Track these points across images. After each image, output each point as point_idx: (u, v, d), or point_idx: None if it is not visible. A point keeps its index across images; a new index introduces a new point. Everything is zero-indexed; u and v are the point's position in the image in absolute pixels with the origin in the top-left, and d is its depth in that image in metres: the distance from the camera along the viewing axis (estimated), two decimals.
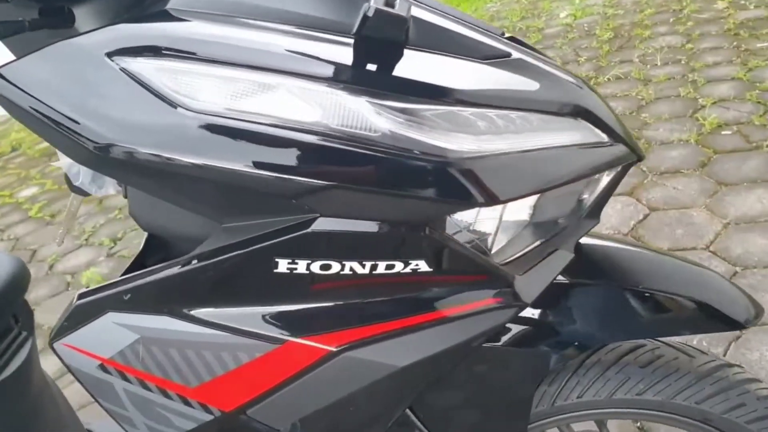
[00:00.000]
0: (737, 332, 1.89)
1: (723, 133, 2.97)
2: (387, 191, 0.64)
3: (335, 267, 0.67)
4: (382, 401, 0.76)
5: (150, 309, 0.72)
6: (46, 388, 1.18)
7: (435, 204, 0.65)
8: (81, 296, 0.73)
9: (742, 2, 4.49)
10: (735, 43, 3.86)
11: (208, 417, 0.75)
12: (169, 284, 0.70)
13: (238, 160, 0.62)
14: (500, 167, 0.67)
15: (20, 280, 1.05)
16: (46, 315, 2.86)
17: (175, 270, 0.69)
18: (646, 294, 0.88)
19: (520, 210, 0.83)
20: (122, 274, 0.78)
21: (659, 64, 3.87)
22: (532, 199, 0.81)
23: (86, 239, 3.56)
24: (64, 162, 0.79)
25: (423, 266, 0.68)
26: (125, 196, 0.79)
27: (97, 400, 0.76)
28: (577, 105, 0.75)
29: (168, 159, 0.61)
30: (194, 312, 0.71)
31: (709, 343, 1.86)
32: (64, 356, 0.74)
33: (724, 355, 1.85)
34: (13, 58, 0.68)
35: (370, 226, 0.66)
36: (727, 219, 2.40)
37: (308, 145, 0.62)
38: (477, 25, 0.78)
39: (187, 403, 0.74)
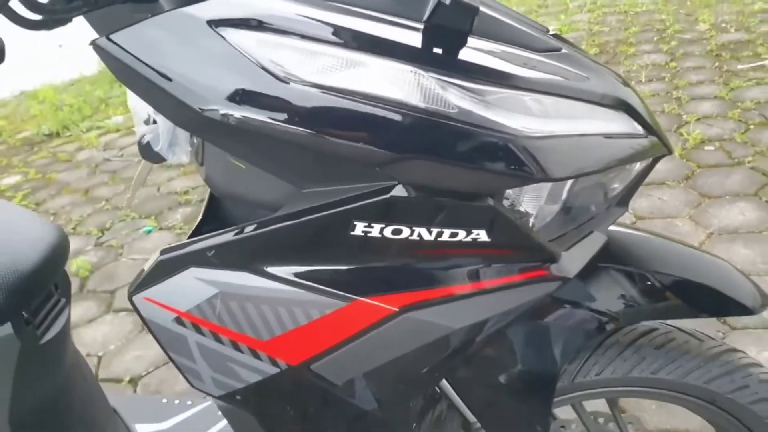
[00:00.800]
0: (721, 333, 1.98)
1: (706, 148, 3.08)
2: (458, 163, 0.69)
3: (405, 232, 0.73)
4: (435, 362, 0.81)
5: (231, 265, 0.76)
6: (76, 360, 1.21)
7: (499, 177, 0.71)
8: (164, 252, 0.77)
9: (723, 25, 4.64)
10: (717, 64, 4.00)
11: (275, 370, 0.79)
12: (252, 243, 0.74)
13: (330, 129, 0.67)
14: (556, 147, 0.73)
15: (62, 248, 1.08)
16: None
17: (259, 229, 0.74)
18: (665, 279, 0.95)
19: (557, 195, 0.89)
20: (191, 234, 0.82)
21: (644, 80, 3.99)
22: (567, 186, 0.88)
23: (74, 228, 3.55)
24: (143, 129, 0.84)
25: (483, 236, 0.74)
26: (201, 164, 0.83)
27: (167, 353, 0.80)
28: (619, 98, 0.82)
29: (263, 123, 0.66)
30: (273, 269, 0.75)
31: None
32: (142, 309, 0.78)
33: None
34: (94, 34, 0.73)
35: (442, 195, 0.72)
36: (711, 229, 2.50)
37: (392, 119, 0.67)
38: (526, 21, 0.85)
39: (256, 355, 0.78)
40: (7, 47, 0.71)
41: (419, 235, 0.73)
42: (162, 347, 0.80)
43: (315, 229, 0.73)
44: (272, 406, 0.84)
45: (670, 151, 0.90)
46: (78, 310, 2.77)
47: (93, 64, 6.36)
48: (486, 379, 0.93)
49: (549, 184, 0.83)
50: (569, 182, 0.86)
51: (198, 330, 0.78)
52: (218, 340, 0.78)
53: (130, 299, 0.78)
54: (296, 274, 0.76)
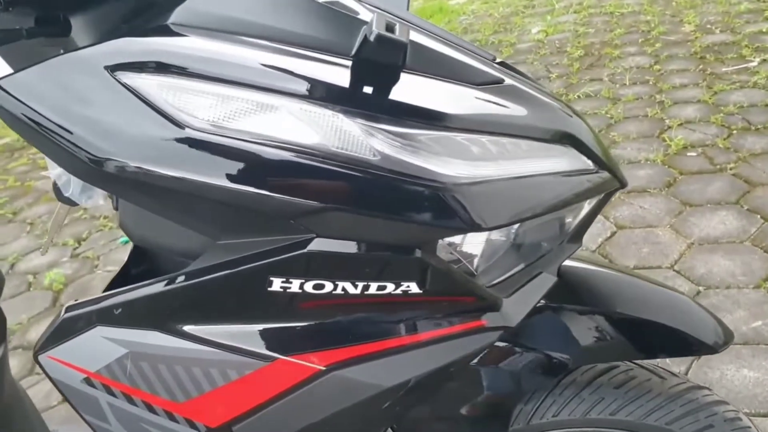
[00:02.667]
0: None
1: (689, 154, 3.04)
2: (382, 214, 0.65)
3: (328, 287, 0.68)
4: (368, 420, 0.77)
5: (140, 324, 0.71)
6: (15, 395, 1.17)
7: (428, 228, 0.66)
8: (69, 309, 0.72)
9: (709, 26, 4.61)
10: (701, 67, 3.96)
11: None
12: (161, 299, 0.70)
13: (237, 180, 0.62)
14: (492, 193, 0.68)
15: None
16: (9, 316, 2.80)
17: (169, 285, 0.69)
18: (622, 318, 0.91)
19: (504, 233, 0.84)
20: (107, 287, 0.77)
21: (628, 83, 3.96)
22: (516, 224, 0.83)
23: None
24: (53, 172, 0.79)
25: (414, 288, 0.69)
26: (116, 208, 0.79)
27: (80, 414, 0.75)
28: (565, 132, 0.77)
29: (166, 176, 0.62)
30: (186, 328, 0.71)
31: (672, 362, 1.90)
32: (49, 369, 0.73)
33: (686, 374, 1.89)
34: (7, 66, 0.68)
35: (364, 248, 0.67)
36: (692, 239, 2.46)
37: (307, 166, 0.63)
38: (470, 49, 0.80)
39: (173, 418, 0.74)
40: None
41: (344, 289, 0.68)
42: (74, 408, 0.75)
43: (229, 286, 0.68)
44: None
45: (623, 185, 0.86)
46: None
47: None
48: (431, 424, 0.88)
49: None
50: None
51: (109, 391, 0.73)
52: (131, 401, 0.73)
53: (35, 358, 0.73)
54: (211, 333, 0.71)
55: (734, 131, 3.16)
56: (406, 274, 0.69)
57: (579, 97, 3.88)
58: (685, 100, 3.58)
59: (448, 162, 0.67)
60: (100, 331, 0.71)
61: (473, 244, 0.81)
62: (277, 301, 0.69)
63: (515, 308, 0.77)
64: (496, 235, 0.83)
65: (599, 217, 2.71)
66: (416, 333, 0.74)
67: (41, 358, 0.73)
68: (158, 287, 0.69)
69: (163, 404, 0.73)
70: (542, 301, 0.89)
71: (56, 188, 0.81)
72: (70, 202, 0.82)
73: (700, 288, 2.20)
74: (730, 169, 2.84)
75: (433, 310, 0.74)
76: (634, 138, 3.29)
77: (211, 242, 0.68)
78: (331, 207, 0.64)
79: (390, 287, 0.69)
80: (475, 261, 0.80)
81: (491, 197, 0.68)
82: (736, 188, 2.71)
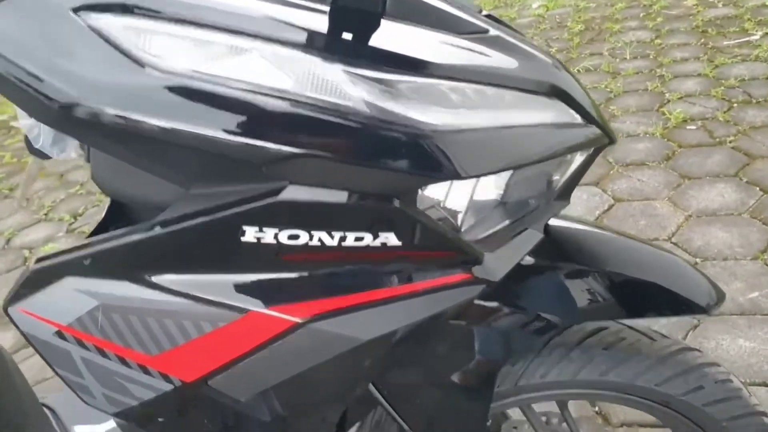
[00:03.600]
0: (695, 321, 1.93)
1: (688, 127, 3.01)
2: (358, 161, 0.62)
3: (303, 237, 0.66)
4: (346, 375, 0.75)
5: (111, 275, 0.69)
6: (0, 361, 1.15)
7: (406, 176, 0.64)
8: (39, 260, 0.70)
9: (711, 0, 4.55)
10: (702, 40, 3.91)
11: (168, 387, 0.73)
12: (131, 249, 0.68)
13: (206, 125, 0.60)
14: (473, 142, 0.66)
15: None
16: (3, 290, 2.80)
17: (139, 235, 0.67)
18: (612, 277, 0.89)
19: (491, 190, 0.82)
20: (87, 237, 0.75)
21: (628, 57, 3.91)
22: (503, 179, 0.81)
23: (45, 214, 3.47)
24: (24, 123, 0.76)
25: (392, 240, 0.67)
26: (87, 160, 0.76)
27: (53, 368, 0.74)
28: (552, 85, 0.75)
29: (134, 121, 0.59)
30: (157, 279, 0.69)
31: (668, 331, 1.88)
32: (20, 322, 0.71)
33: None
34: None
35: (340, 196, 0.64)
36: (689, 211, 2.44)
37: (280, 111, 0.60)
38: (455, 0, 0.77)
39: (146, 372, 0.72)
40: None
41: (320, 240, 0.66)
42: (47, 363, 0.73)
43: (201, 235, 0.66)
44: (171, 423, 0.78)
45: (612, 141, 0.83)
46: None
47: None
48: (416, 385, 0.87)
49: (477, 180, 0.76)
50: (508, 174, 0.80)
51: (81, 345, 0.71)
52: (104, 355, 0.72)
53: (5, 311, 0.72)
54: (184, 284, 0.69)
55: (735, 104, 3.12)
56: (384, 224, 0.67)
57: (579, 71, 3.84)
58: (686, 73, 3.54)
59: (429, 109, 0.65)
60: (71, 283, 0.69)
61: (457, 200, 0.79)
62: (251, 251, 0.66)
63: (499, 263, 0.75)
64: (482, 193, 0.81)
65: (596, 189, 2.69)
66: (396, 286, 0.72)
67: (11, 311, 0.71)
68: (127, 237, 0.67)
69: (136, 357, 0.71)
70: (531, 260, 0.88)
71: (27, 141, 0.79)
72: (43, 155, 0.80)
73: (698, 260, 2.18)
74: (730, 142, 2.82)
75: (413, 264, 0.72)
76: (633, 111, 3.25)
77: (183, 192, 0.66)
78: (304, 153, 0.61)
79: (368, 239, 0.67)
80: (459, 217, 0.78)
81: (472, 146, 0.66)
82: (736, 161, 2.68)
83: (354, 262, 0.70)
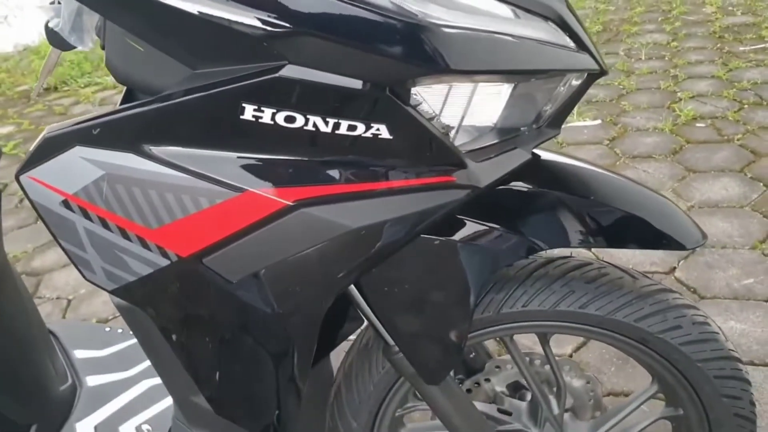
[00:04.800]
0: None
1: (697, 125, 3.03)
2: (355, 44, 0.66)
3: (299, 120, 0.69)
4: (333, 264, 0.79)
5: (117, 146, 0.73)
6: (9, 273, 1.19)
7: (399, 64, 0.67)
8: (50, 129, 0.75)
9: (730, 8, 4.57)
10: (719, 45, 3.93)
11: (165, 262, 0.77)
12: (138, 121, 0.71)
13: None
14: (467, 39, 0.69)
15: None
16: (15, 244, 2.86)
17: (146, 107, 0.71)
18: (598, 207, 0.92)
19: (484, 116, 0.85)
20: None
21: (643, 58, 3.94)
22: (496, 107, 0.84)
23: None
24: (46, 12, 0.81)
25: (384, 132, 0.71)
26: (103, 47, 0.80)
27: (58, 241, 0.77)
28: (548, 7, 0.78)
29: None
30: (160, 152, 0.72)
31: None
32: (29, 190, 0.75)
33: None
34: None
35: (336, 80, 0.68)
36: (692, 202, 2.46)
37: None
38: None
39: (145, 245, 0.76)
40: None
41: (315, 125, 0.70)
42: (52, 234, 0.77)
43: (203, 109, 0.70)
44: (166, 302, 0.82)
45: (603, 72, 0.86)
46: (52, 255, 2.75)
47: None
48: (401, 299, 0.90)
49: (473, 95, 0.79)
50: (502, 103, 0.82)
51: (86, 215, 0.75)
52: (106, 226, 0.75)
53: (17, 179, 0.76)
54: (185, 159, 0.73)
55: (745, 105, 3.14)
56: (377, 115, 0.70)
57: None
58: (700, 75, 3.56)
59: (428, 4, 0.69)
60: (79, 152, 0.73)
61: (451, 117, 0.82)
62: (249, 130, 0.70)
63: (485, 172, 0.78)
64: (475, 119, 0.84)
65: None
66: (385, 180, 0.75)
67: (22, 178, 0.75)
68: (134, 110, 0.71)
69: (137, 230, 0.75)
70: (521, 186, 0.91)
71: (48, 30, 0.83)
72: (62, 46, 0.84)
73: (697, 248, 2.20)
74: (738, 139, 2.83)
75: (403, 160, 0.75)
76: (644, 108, 3.28)
77: (190, 73, 0.70)
78: (303, 31, 0.65)
79: (360, 128, 0.70)
80: (452, 133, 0.81)
81: (466, 42, 0.70)
82: (742, 157, 2.70)
83: (346, 152, 0.73)
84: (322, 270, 0.79)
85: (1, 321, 1.15)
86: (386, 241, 0.77)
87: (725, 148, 2.78)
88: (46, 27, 0.83)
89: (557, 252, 1.03)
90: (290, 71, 0.67)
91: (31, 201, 0.76)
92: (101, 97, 4.83)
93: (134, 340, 1.44)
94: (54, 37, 0.82)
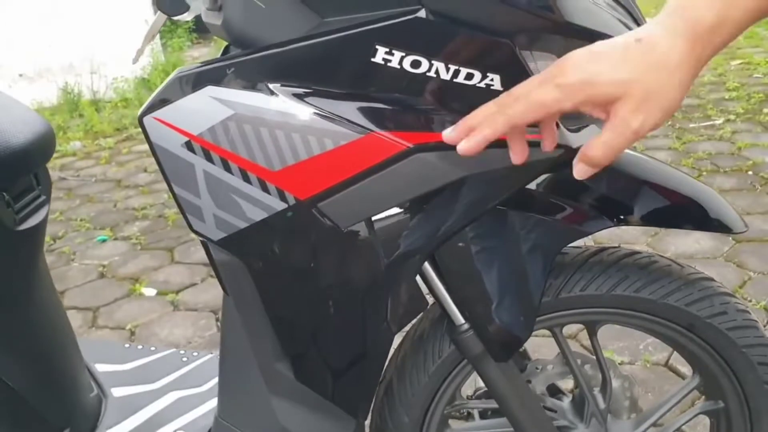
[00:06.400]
0: None
1: None
2: None
3: (424, 65, 0.73)
4: (441, 209, 0.81)
5: (249, 86, 0.75)
6: (46, 271, 1.17)
7: (524, 15, 0.72)
8: (180, 71, 0.76)
9: None
10: (670, 122, 4.17)
11: (282, 205, 0.77)
12: (272, 61, 0.73)
13: None
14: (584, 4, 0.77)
15: (48, 141, 1.06)
16: None
17: (279, 48, 0.73)
18: (656, 189, 0.97)
19: None
20: None
21: None
22: None
23: None
24: None
25: (497, 83, 0.75)
26: (219, 8, 0.82)
27: (171, 186, 0.77)
28: None
29: None
30: (291, 92, 0.74)
31: None
32: (152, 131, 0.76)
33: None
34: None
35: (464, 26, 0.72)
36: (668, 254, 2.57)
37: None
38: None
39: (265, 188, 0.77)
40: None
41: (437, 71, 0.74)
42: (167, 180, 0.78)
43: (339, 50, 0.73)
44: (271, 252, 0.82)
45: None
46: None
47: (53, 94, 6.30)
48: (476, 272, 0.92)
49: None
50: None
51: (208, 157, 0.76)
52: (227, 168, 0.76)
53: (140, 120, 0.76)
54: (314, 99, 0.75)
55: (704, 172, 3.33)
56: (493, 63, 0.74)
57: None
58: (657, 147, 3.77)
59: None
60: (210, 91, 0.75)
61: None
62: (377, 73, 0.73)
63: (572, 138, 0.83)
64: None
65: None
66: None
67: (146, 119, 0.76)
68: (269, 50, 0.74)
69: (259, 171, 0.76)
70: None
71: None
72: (170, 9, 0.86)
73: None
74: None
75: None
76: None
77: (320, 21, 0.74)
78: None
79: (477, 77, 0.74)
80: None
81: (583, 7, 0.77)
82: None
83: (461, 101, 0.76)
84: (427, 218, 0.81)
85: (42, 323, 1.12)
86: (493, 191, 0.81)
87: None
88: None
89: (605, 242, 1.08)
90: (424, 14, 0.71)
91: (151, 144, 0.76)
92: (61, 163, 4.78)
93: (157, 355, 1.41)
94: (162, 2, 0.85)
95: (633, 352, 2.05)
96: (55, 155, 4.91)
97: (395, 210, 0.81)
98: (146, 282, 2.84)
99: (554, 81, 0.64)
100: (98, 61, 6.05)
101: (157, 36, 7.19)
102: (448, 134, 0.70)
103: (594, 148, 0.66)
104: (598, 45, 0.64)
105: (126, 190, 4.01)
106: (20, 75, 6.52)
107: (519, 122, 0.67)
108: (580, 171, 0.69)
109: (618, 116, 0.64)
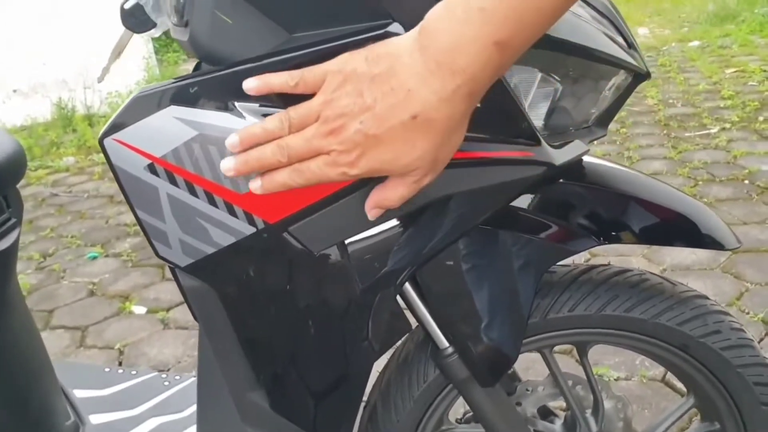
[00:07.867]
0: None
1: None
2: None
3: None
4: (417, 233, 0.78)
5: (214, 105, 0.72)
6: (19, 296, 1.14)
7: None
8: (142, 91, 0.73)
9: (671, 101, 4.86)
10: (665, 132, 4.16)
11: (250, 230, 0.74)
12: (238, 80, 0.69)
13: None
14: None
15: (17, 162, 1.02)
16: None
17: (246, 66, 0.70)
18: (645, 205, 0.94)
19: (533, 114, 0.88)
20: None
21: (596, 143, 4.11)
22: (542, 109, 0.87)
23: None
24: None
25: None
26: (186, 24, 0.79)
27: (134, 211, 0.74)
28: (603, 4, 0.83)
29: None
30: (258, 111, 0.71)
31: None
32: (113, 154, 0.72)
33: None
34: None
35: None
36: (664, 266, 2.54)
37: None
38: None
39: (232, 211, 0.73)
40: None
41: None
42: (130, 204, 0.74)
43: (306, 67, 0.70)
44: (240, 278, 0.79)
45: (648, 75, 0.92)
46: None
47: (47, 110, 6.27)
48: (460, 294, 0.89)
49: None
50: (547, 102, 0.86)
51: (172, 179, 0.73)
52: (192, 191, 0.73)
53: (100, 142, 0.73)
54: None
55: (700, 182, 3.30)
56: None
57: None
58: (652, 156, 3.75)
59: None
60: (173, 111, 0.71)
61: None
62: None
63: (556, 154, 0.80)
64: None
65: None
66: (468, 151, 0.75)
67: (107, 141, 0.72)
68: (237, 68, 0.70)
69: (225, 194, 0.73)
70: (569, 181, 0.93)
71: (123, 11, 0.83)
72: (136, 27, 0.83)
73: None
74: None
75: (486, 131, 0.76)
76: None
77: (288, 37, 0.71)
78: None
79: None
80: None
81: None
82: None
83: None
84: (406, 239, 0.78)
85: (12, 349, 1.08)
86: (469, 212, 0.78)
87: None
88: (122, 8, 0.83)
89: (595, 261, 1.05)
90: (397, 28, 0.68)
91: (112, 167, 0.73)
92: (53, 179, 4.74)
93: (138, 379, 1.37)
94: (128, 19, 0.82)
95: (629, 368, 2.01)
96: (47, 171, 4.90)
97: (371, 232, 0.78)
98: (136, 300, 2.80)
99: (344, 168, 0.66)
100: (92, 76, 6.03)
101: (152, 50, 7.20)
102: (226, 164, 0.69)
103: (387, 200, 0.71)
104: (375, 130, 0.64)
105: (118, 205, 3.97)
106: (14, 91, 6.51)
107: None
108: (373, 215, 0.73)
109: (410, 177, 0.68)
